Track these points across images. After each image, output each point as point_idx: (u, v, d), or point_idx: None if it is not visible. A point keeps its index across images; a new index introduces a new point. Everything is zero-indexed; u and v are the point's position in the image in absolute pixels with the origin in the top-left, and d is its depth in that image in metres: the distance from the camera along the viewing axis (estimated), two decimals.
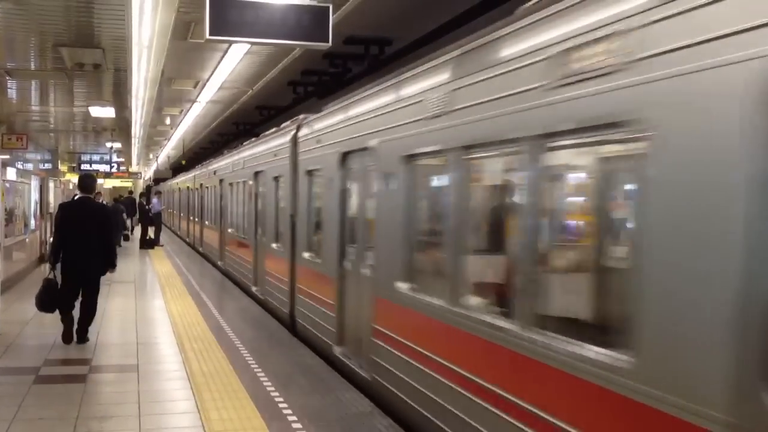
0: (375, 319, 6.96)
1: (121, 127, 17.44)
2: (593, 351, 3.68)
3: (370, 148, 7.15)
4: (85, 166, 26.23)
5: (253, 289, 13.49)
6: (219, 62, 12.66)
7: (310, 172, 9.93)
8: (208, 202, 21.56)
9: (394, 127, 6.55)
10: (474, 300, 5.26)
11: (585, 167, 4.58)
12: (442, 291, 5.49)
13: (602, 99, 3.59)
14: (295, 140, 10.83)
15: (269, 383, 7.28)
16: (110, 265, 9.33)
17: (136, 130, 19.67)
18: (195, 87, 15.37)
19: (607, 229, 4.47)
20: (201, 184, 23.51)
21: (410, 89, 6.30)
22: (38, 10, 6.90)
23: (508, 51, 4.63)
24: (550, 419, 3.99)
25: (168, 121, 21.93)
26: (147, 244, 24.62)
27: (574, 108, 3.80)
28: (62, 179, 26.42)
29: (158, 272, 17.28)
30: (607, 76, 3.55)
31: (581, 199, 4.84)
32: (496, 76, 4.72)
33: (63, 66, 9.22)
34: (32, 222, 18.00)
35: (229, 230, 17.19)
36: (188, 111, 19.34)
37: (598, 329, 4.13)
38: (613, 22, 3.54)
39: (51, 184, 21.77)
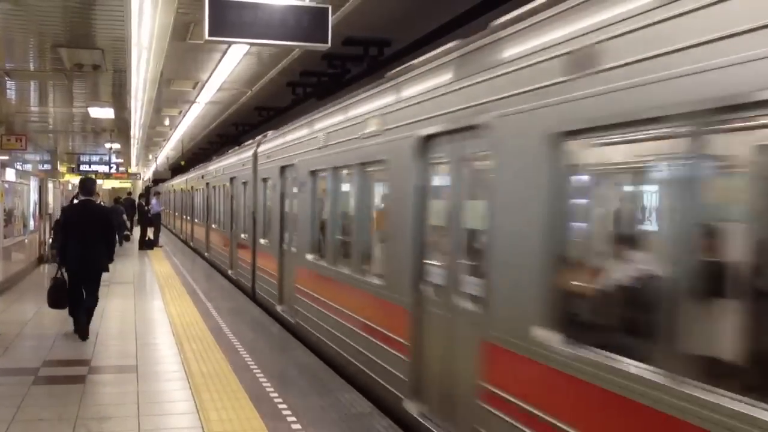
0: (296, 281, 10.09)
1: (120, 128, 17.43)
2: (374, 280, 6.96)
3: (295, 165, 10.41)
4: (84, 167, 26.20)
5: (230, 272, 16.58)
6: (218, 63, 12.66)
7: (264, 180, 13.00)
8: (196, 202, 24.68)
9: (306, 151, 9.81)
10: (342, 261, 8.21)
11: (380, 181, 7.29)
12: (328, 258, 8.61)
13: (375, 148, 6.99)
14: (255, 155, 13.89)
15: (268, 384, 7.28)
16: (109, 260, 9.86)
17: (136, 131, 19.67)
18: (194, 88, 15.37)
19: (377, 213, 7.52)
20: (192, 187, 26.36)
21: (313, 127, 9.68)
22: (37, 11, 6.90)
23: (346, 115, 8.16)
24: (368, 323, 7.12)
25: (167, 122, 21.94)
26: (146, 245, 24.62)
27: (368, 151, 7.23)
28: (61, 180, 26.40)
29: (157, 273, 17.28)
30: (377, 137, 6.95)
31: (381, 199, 7.46)
32: (343, 128, 8.15)
33: (62, 67, 9.21)
34: (31, 223, 18.00)
35: (213, 226, 20.26)
36: (187, 112, 19.34)
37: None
38: (377, 110, 7.04)
39: (50, 185, 21.77)
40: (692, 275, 3.18)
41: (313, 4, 6.62)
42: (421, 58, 6.42)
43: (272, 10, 6.40)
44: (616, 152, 4.06)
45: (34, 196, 18.56)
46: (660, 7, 3.31)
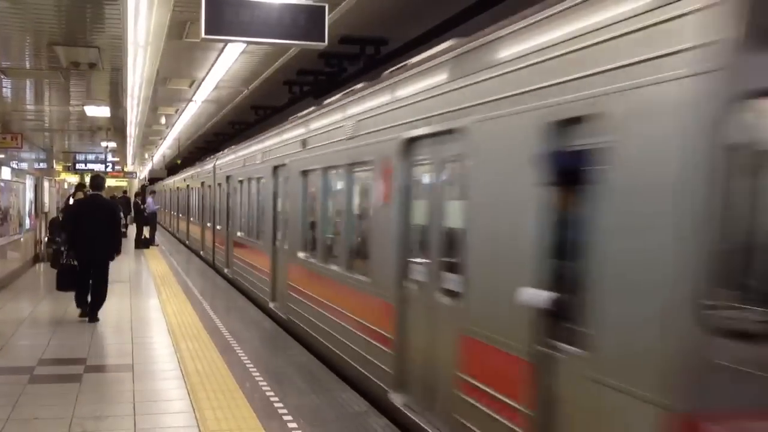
0: (288, 278, 10.34)
1: (116, 127, 17.39)
2: (356, 275, 7.47)
3: (232, 177, 15.89)
4: (80, 166, 26.14)
5: (201, 252, 21.75)
6: (214, 62, 12.65)
7: (218, 184, 18.24)
8: (180, 200, 29.78)
9: (234, 168, 15.57)
10: (328, 259, 8.63)
11: (361, 179, 7.68)
12: (317, 255, 9.02)
13: (358, 150, 7.41)
14: (214, 167, 19.48)
15: (264, 383, 7.28)
16: (116, 251, 10.87)
17: (132, 129, 19.64)
18: (190, 86, 15.34)
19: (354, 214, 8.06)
20: (177, 187, 31.18)
21: (250, 148, 14.33)
22: (33, 9, 6.88)
23: (326, 121, 8.87)
24: (340, 309, 7.92)
25: (163, 120, 21.90)
26: (142, 243, 24.58)
27: (353, 153, 7.63)
28: (57, 179, 26.35)
29: (153, 272, 17.26)
30: (345, 141, 7.90)
31: (359, 196, 7.98)
32: (323, 133, 8.81)
33: (58, 65, 9.19)
34: (27, 222, 17.96)
35: (191, 219, 25.36)
36: (183, 110, 19.32)
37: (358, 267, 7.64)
38: (347, 117, 7.93)
39: (46, 184, 21.72)
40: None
41: (310, 2, 6.61)
42: (366, 92, 7.67)
43: (269, 9, 6.39)
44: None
45: (29, 195, 18.52)
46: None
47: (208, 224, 20.11)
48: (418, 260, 5.96)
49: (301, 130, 10.03)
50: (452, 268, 5.31)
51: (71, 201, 21.12)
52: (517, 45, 4.50)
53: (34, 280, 16.43)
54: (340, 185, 8.41)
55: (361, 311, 7.18)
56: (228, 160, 17.05)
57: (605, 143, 3.51)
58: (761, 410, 3.08)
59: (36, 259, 19.26)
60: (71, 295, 10.82)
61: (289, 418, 6.18)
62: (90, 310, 10.51)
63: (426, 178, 5.99)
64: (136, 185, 51.48)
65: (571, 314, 3.84)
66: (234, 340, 9.34)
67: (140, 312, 11.53)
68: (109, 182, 44.06)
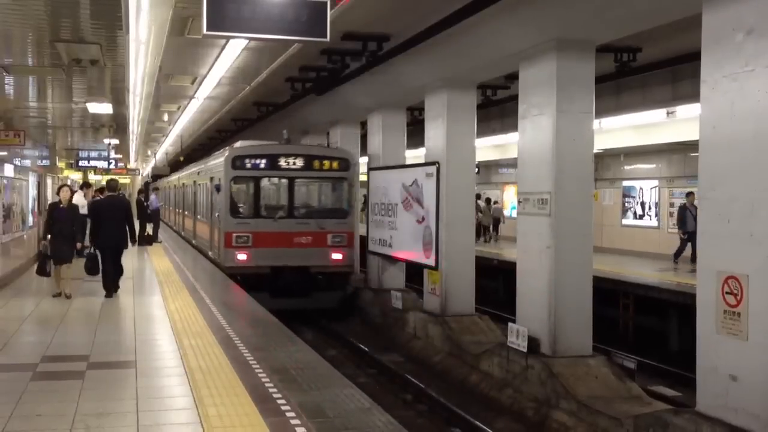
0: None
1: (119, 124, 17.40)
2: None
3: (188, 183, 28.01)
4: (83, 163, 26.16)
5: (182, 233, 28.95)
6: (217, 58, 12.64)
7: (199, 184, 25.41)
8: (168, 196, 37.38)
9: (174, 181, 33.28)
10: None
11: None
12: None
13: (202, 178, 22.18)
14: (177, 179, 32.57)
15: (267, 379, 7.27)
16: (131, 239, 13.03)
17: (134, 126, 19.64)
18: (193, 83, 15.34)
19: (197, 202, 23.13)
20: (165, 186, 39.66)
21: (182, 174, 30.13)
22: (35, 6, 6.87)
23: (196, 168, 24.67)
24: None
25: (166, 117, 21.93)
26: (145, 240, 24.61)
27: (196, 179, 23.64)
28: (60, 176, 26.37)
29: (156, 269, 17.28)
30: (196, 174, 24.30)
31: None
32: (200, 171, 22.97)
33: (60, 62, 9.19)
34: (30, 219, 17.98)
35: (177, 209, 32.81)
36: (186, 107, 19.33)
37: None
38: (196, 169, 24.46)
39: (48, 181, 21.75)
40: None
41: None
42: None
43: (271, 5, 6.38)
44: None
45: (32, 192, 18.54)
46: None
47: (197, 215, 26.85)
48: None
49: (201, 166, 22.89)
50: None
51: (75, 197, 21.22)
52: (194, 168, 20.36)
53: (37, 277, 16.44)
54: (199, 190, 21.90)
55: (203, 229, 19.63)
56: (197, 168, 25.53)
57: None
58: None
59: (39, 256, 19.27)
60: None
61: (292, 414, 6.17)
62: (113, 283, 12.68)
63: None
64: (139, 182, 51.54)
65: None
66: (237, 336, 9.34)
67: (143, 309, 11.53)
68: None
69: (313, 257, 16.74)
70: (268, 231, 16.62)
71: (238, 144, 18.45)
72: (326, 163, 17.06)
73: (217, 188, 17.63)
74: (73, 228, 12.60)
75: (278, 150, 16.95)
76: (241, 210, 17.23)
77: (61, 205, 12.73)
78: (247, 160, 16.62)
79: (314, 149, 18.25)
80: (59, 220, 12.47)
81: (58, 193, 13.48)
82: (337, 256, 16.91)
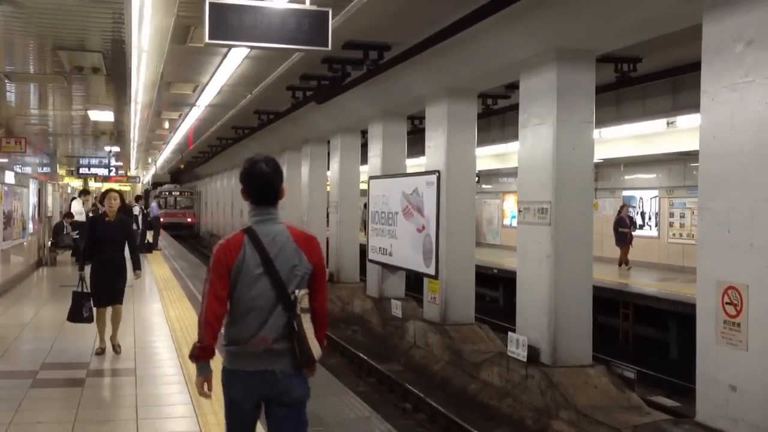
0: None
1: (119, 131, 17.43)
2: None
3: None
4: (83, 170, 26.15)
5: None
6: (218, 66, 12.66)
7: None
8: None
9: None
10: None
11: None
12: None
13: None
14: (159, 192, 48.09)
15: None
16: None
17: (135, 134, 19.66)
18: (194, 91, 15.36)
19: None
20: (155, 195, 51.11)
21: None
22: (37, 14, 6.90)
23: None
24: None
25: (167, 125, 21.93)
26: (145, 247, 24.60)
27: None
28: (60, 183, 26.37)
29: (156, 276, 17.26)
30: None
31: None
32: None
33: (62, 69, 9.22)
34: (30, 226, 17.97)
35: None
36: (187, 115, 19.34)
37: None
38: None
39: (49, 188, 21.75)
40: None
41: (314, 7, 6.62)
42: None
43: (273, 14, 6.40)
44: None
45: (33, 199, 18.54)
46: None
47: None
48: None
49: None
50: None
51: (73, 205, 21.21)
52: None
53: (37, 284, 16.44)
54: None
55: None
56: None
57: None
58: None
59: (39, 263, 19.26)
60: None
61: None
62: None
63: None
64: (139, 190, 51.60)
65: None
66: None
67: (143, 316, 11.53)
68: (112, 187, 44.99)
69: None
70: None
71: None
72: None
73: None
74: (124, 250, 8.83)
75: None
76: None
77: (107, 219, 8.63)
78: None
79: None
80: (106, 240, 8.51)
81: (101, 202, 9.92)
82: None
